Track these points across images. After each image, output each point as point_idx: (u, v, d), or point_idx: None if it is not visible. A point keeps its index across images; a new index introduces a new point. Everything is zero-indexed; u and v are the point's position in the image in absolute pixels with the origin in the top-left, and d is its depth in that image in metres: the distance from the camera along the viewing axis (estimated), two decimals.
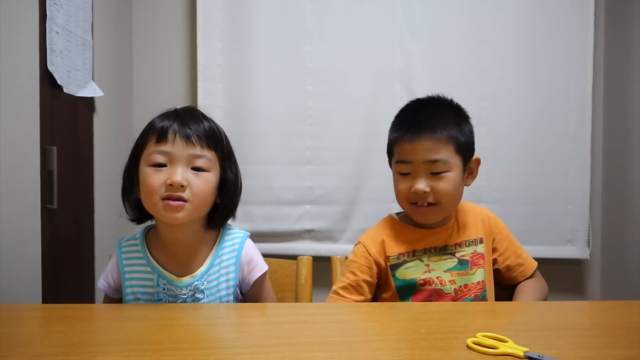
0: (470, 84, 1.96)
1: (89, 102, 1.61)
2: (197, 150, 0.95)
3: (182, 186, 0.92)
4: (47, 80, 1.34)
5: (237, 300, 1.06)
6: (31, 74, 1.28)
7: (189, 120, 0.97)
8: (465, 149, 1.10)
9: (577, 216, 1.99)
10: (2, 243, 1.17)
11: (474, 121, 1.97)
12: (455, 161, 1.07)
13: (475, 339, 0.74)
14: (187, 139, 0.94)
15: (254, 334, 0.80)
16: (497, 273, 1.19)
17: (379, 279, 1.14)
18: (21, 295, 1.22)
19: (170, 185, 0.92)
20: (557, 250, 1.98)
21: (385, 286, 1.13)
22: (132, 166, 1.00)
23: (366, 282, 1.11)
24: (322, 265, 1.44)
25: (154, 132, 0.96)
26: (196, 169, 0.95)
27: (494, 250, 1.18)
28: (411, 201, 1.10)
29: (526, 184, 1.97)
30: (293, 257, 1.24)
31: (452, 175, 1.07)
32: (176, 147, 0.94)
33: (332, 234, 2.00)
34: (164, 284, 1.00)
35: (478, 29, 1.95)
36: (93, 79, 1.61)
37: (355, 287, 1.11)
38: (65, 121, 1.45)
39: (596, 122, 2.03)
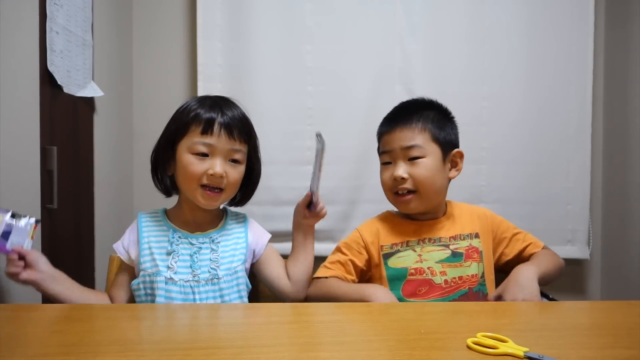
0: (471, 84, 1.96)
1: (89, 102, 1.61)
2: (237, 145, 1.07)
3: (222, 177, 1.04)
4: (47, 80, 1.35)
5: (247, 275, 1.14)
6: (31, 74, 1.28)
7: (231, 115, 1.06)
8: (443, 140, 1.16)
9: (577, 216, 1.98)
10: None
11: (474, 121, 1.98)
12: (432, 148, 1.14)
13: (475, 339, 0.74)
14: (230, 134, 1.05)
15: (254, 334, 0.80)
16: (512, 264, 1.17)
17: (368, 269, 1.17)
18: (21, 295, 1.22)
19: (212, 175, 1.04)
20: (557, 250, 1.93)
21: (376, 275, 1.16)
22: (167, 146, 1.08)
23: (353, 263, 1.16)
24: None
25: (199, 123, 1.04)
26: (233, 160, 1.07)
27: (500, 243, 1.20)
28: (393, 190, 1.16)
29: (526, 184, 1.97)
30: None
31: (429, 161, 1.13)
32: (220, 140, 1.04)
33: (332, 234, 2.00)
34: (179, 237, 1.08)
35: (478, 29, 1.95)
36: (93, 79, 1.61)
37: (343, 264, 1.17)
38: (65, 121, 1.45)
39: (596, 122, 2.03)
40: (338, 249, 1.21)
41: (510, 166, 1.97)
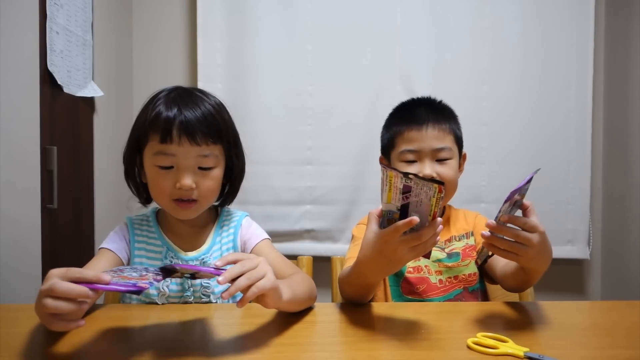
0: (471, 84, 1.96)
1: (89, 102, 1.62)
2: (204, 149, 0.93)
3: (191, 189, 0.93)
4: (48, 80, 1.35)
5: None
6: (31, 74, 1.28)
7: (192, 115, 0.92)
8: (460, 142, 1.19)
9: (577, 216, 1.99)
10: (2, 243, 1.17)
11: (474, 121, 1.98)
12: (455, 151, 1.16)
13: (475, 339, 0.74)
14: (193, 138, 0.91)
15: (254, 334, 0.80)
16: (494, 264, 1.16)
17: None
18: (21, 295, 1.22)
19: (180, 188, 0.93)
20: (557, 250, 1.97)
21: None
22: (134, 151, 0.98)
23: None
24: (322, 265, 1.44)
25: (158, 129, 0.91)
26: (203, 168, 0.95)
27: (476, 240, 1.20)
28: None
29: None
30: (293, 257, 1.24)
31: (454, 163, 1.15)
32: (182, 149, 0.91)
33: (332, 234, 2.00)
34: (172, 257, 1.01)
35: (478, 29, 1.95)
36: (93, 79, 1.62)
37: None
38: (65, 121, 1.45)
39: (596, 121, 2.03)
40: (355, 244, 1.14)
41: (510, 166, 1.97)
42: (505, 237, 0.81)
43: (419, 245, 0.77)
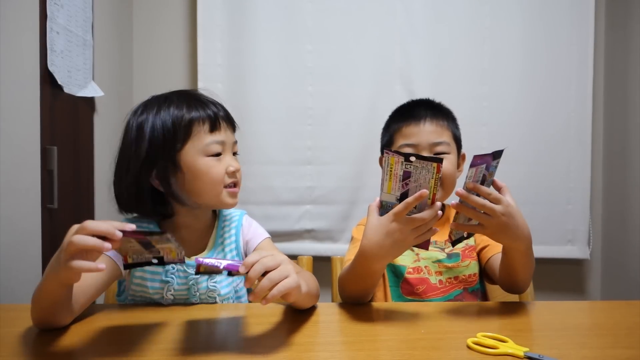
0: (471, 84, 1.96)
1: (89, 102, 1.62)
2: (235, 136, 1.03)
3: (239, 171, 0.99)
4: (48, 80, 1.35)
5: None
6: (31, 74, 1.28)
7: (222, 106, 1.01)
8: (458, 142, 1.21)
9: (577, 216, 1.99)
10: (2, 243, 1.17)
11: (474, 121, 1.98)
12: (453, 146, 1.18)
13: (475, 339, 0.74)
14: (232, 126, 1.01)
15: (254, 334, 0.80)
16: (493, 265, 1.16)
17: None
18: (21, 295, 1.22)
19: (232, 172, 0.97)
20: (558, 250, 1.98)
21: None
22: (150, 164, 0.96)
23: None
24: (322, 265, 1.44)
25: (203, 121, 0.95)
26: (235, 153, 1.02)
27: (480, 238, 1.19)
28: None
29: (526, 184, 1.97)
30: (293, 257, 1.23)
31: (452, 158, 1.16)
32: (227, 135, 0.99)
33: (332, 234, 2.00)
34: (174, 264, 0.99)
35: (478, 28, 1.95)
36: (93, 79, 1.62)
37: None
38: (65, 121, 1.45)
39: (596, 122, 2.03)
40: (355, 245, 1.13)
41: (511, 166, 1.96)
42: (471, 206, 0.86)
43: (422, 227, 0.83)
